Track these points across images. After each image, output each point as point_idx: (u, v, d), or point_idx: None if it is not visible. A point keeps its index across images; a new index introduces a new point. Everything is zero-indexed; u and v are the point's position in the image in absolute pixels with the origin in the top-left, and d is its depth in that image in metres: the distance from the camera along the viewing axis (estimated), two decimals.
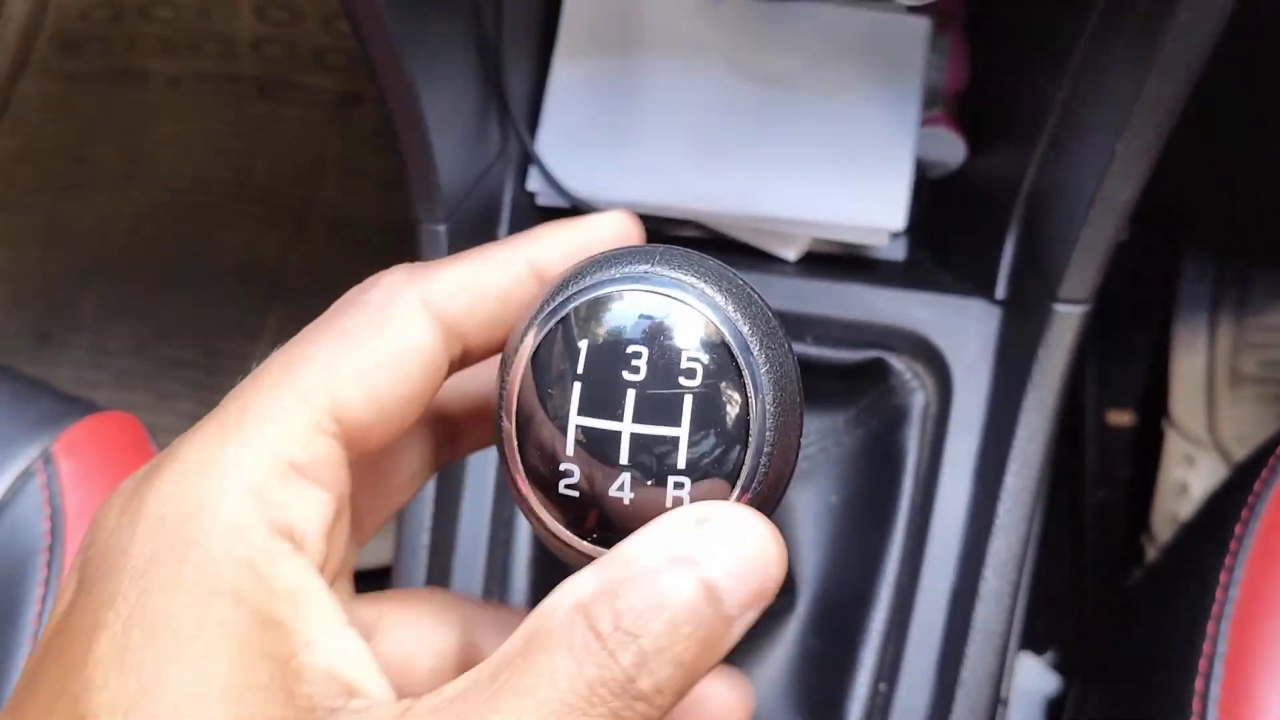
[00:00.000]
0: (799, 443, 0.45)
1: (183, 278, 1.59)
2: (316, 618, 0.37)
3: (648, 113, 0.84)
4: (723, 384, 0.41)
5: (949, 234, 0.86)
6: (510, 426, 0.43)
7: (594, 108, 0.85)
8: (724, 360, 0.41)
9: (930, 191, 0.88)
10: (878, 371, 0.79)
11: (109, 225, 1.64)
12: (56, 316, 1.58)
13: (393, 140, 0.70)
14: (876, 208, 0.79)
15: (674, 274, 0.43)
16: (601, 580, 0.36)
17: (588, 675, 0.34)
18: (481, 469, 0.78)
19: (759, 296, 0.44)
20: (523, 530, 0.78)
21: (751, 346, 0.42)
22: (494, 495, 0.77)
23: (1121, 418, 1.37)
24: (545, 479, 0.42)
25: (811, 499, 0.81)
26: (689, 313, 0.42)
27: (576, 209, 0.82)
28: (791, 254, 0.82)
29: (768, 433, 0.42)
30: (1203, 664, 0.66)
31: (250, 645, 0.34)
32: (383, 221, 1.63)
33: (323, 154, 1.65)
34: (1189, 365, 1.34)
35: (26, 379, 0.83)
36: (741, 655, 0.77)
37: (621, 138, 0.83)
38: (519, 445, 0.43)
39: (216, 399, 0.41)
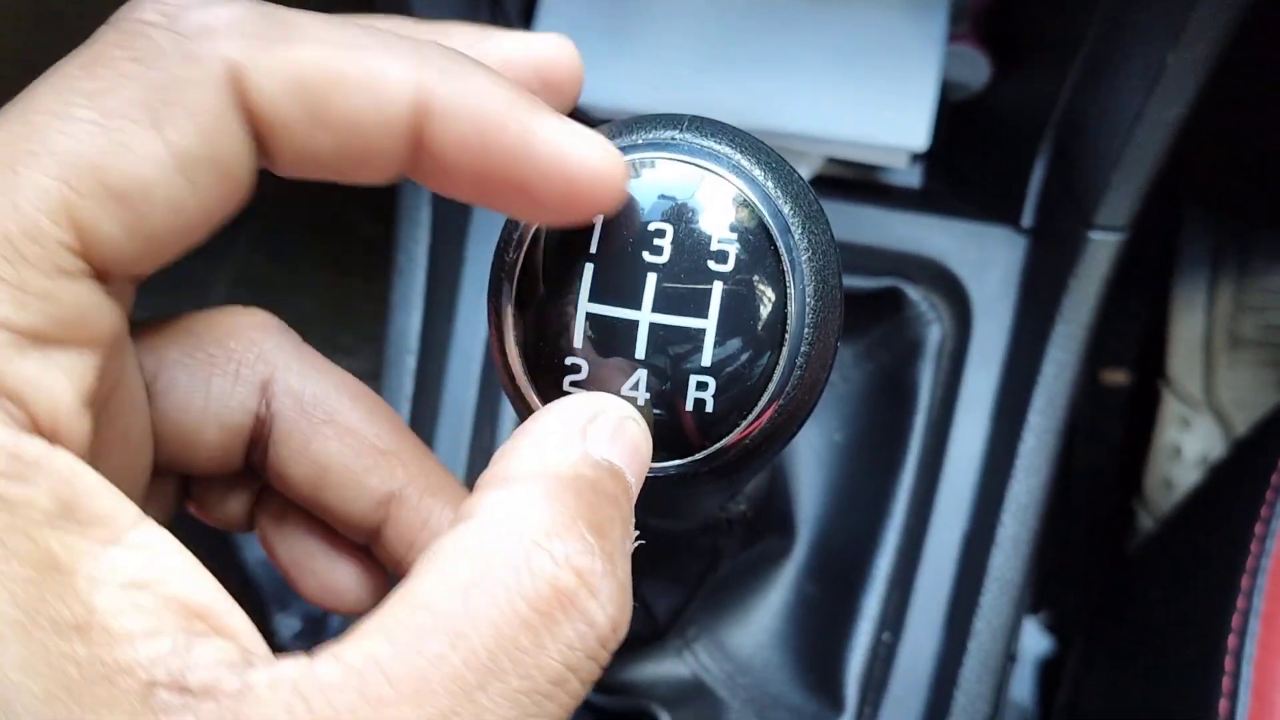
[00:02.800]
0: (837, 345, 0.39)
1: None
2: (104, 537, 0.27)
3: (652, 14, 0.77)
4: (759, 270, 0.36)
5: (968, 160, 0.80)
6: (508, 310, 0.37)
7: (593, 6, 0.78)
8: (761, 243, 0.36)
9: (949, 116, 0.82)
10: (891, 302, 0.74)
11: None
12: None
13: None
14: (898, 125, 0.74)
15: (705, 142, 0.37)
16: (548, 502, 0.30)
17: (561, 637, 0.28)
18: (468, 349, 0.72)
19: (798, 174, 0.38)
20: (511, 428, 0.72)
21: (792, 228, 0.36)
22: (479, 386, 0.71)
23: (1116, 377, 1.33)
24: (547, 374, 0.37)
25: (814, 436, 0.75)
26: (722, 186, 0.36)
27: (572, 117, 0.76)
28: (803, 174, 0.76)
29: (806, 329, 0.37)
30: (1236, 620, 0.61)
31: (30, 627, 0.25)
32: None
33: None
34: (1187, 325, 1.30)
35: None
36: (732, 600, 0.72)
37: (623, 41, 0.77)
38: (518, 334, 0.37)
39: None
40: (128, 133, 0.28)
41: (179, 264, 0.33)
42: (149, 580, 0.27)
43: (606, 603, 0.29)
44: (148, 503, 0.34)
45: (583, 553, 0.29)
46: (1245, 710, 0.59)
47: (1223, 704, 0.60)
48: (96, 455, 0.30)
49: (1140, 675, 0.74)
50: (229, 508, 0.41)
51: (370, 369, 0.69)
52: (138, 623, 0.26)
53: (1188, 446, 1.28)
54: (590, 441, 0.32)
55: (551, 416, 0.33)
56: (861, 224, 0.73)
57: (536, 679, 0.27)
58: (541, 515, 0.29)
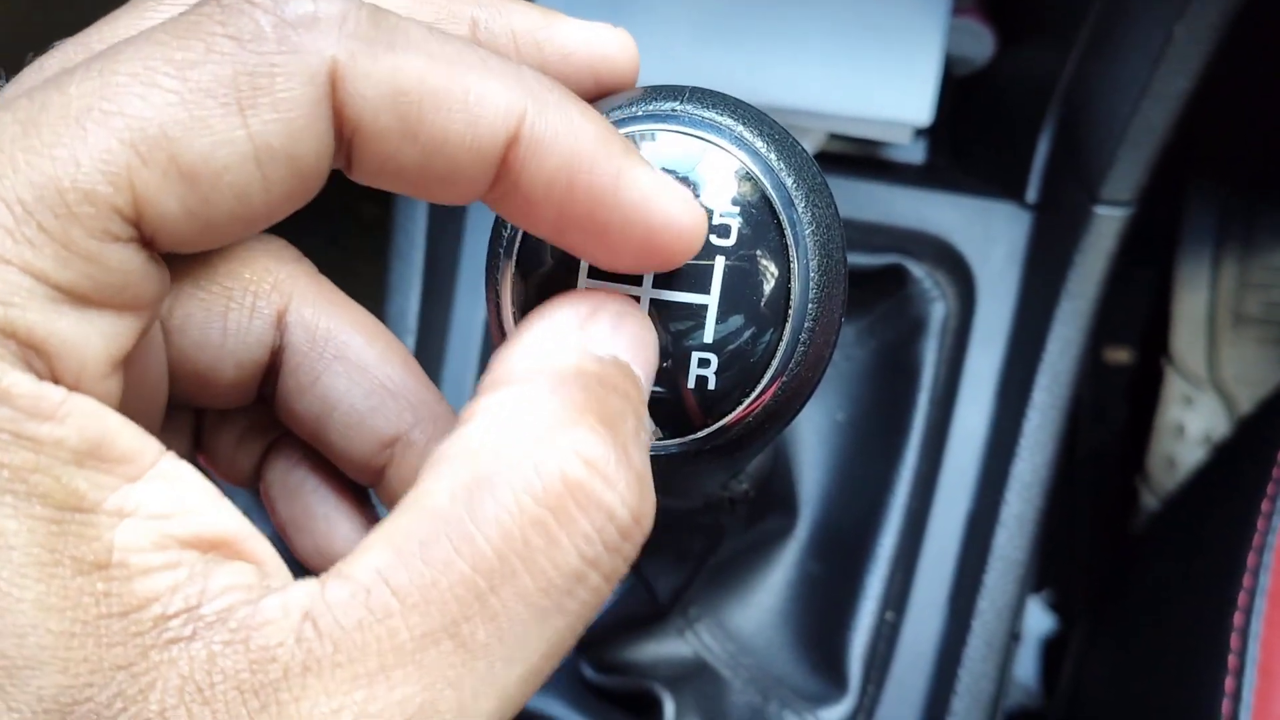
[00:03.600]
0: (841, 321, 0.39)
1: None
2: (128, 473, 0.27)
3: None
4: (761, 244, 0.35)
5: (972, 136, 0.79)
6: (506, 288, 0.36)
7: None
8: (764, 216, 0.35)
9: (953, 91, 0.81)
10: (894, 279, 0.73)
11: None
12: None
13: None
14: (902, 100, 0.73)
15: (707, 114, 0.36)
16: (554, 399, 0.28)
17: (576, 531, 0.27)
18: (466, 331, 0.71)
19: (801, 146, 0.37)
20: None
21: (796, 201, 0.36)
22: (477, 367, 0.70)
23: (1119, 355, 1.32)
24: None
25: (816, 415, 0.75)
26: (724, 159, 0.35)
27: None
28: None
29: (810, 305, 0.36)
30: (1242, 598, 0.61)
31: (51, 566, 0.25)
32: None
33: None
34: (1191, 303, 1.29)
35: None
36: (735, 579, 0.72)
37: (623, 14, 0.76)
38: (517, 311, 0.36)
39: None
40: (210, 111, 0.27)
41: None
42: (171, 512, 0.27)
43: (625, 491, 0.27)
44: (164, 440, 0.33)
45: (593, 443, 0.27)
46: (1251, 688, 0.59)
47: (1228, 682, 0.60)
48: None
49: (1145, 654, 0.73)
50: (239, 461, 0.40)
51: None
52: (157, 557, 0.26)
53: (1191, 425, 1.27)
54: (590, 337, 0.31)
55: (546, 317, 0.32)
56: (864, 200, 0.73)
57: (552, 576, 0.26)
58: (545, 410, 0.28)
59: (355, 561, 0.26)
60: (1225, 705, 0.59)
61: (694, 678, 0.68)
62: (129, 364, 0.30)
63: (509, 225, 0.36)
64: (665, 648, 0.68)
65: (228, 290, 0.36)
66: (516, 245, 0.36)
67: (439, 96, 0.29)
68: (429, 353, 0.70)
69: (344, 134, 0.29)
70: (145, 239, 0.28)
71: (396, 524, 0.27)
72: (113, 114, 0.26)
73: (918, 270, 0.72)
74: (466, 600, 0.26)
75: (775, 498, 0.72)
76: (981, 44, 0.79)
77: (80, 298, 0.27)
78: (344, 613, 0.26)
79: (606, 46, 0.35)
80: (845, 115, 0.73)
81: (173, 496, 0.27)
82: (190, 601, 0.26)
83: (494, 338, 0.37)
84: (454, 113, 0.29)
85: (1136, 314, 1.33)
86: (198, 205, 0.28)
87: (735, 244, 0.35)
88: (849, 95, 0.73)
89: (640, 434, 0.30)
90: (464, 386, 0.71)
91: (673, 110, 0.36)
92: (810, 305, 0.36)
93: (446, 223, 0.71)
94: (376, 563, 0.26)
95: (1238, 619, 0.61)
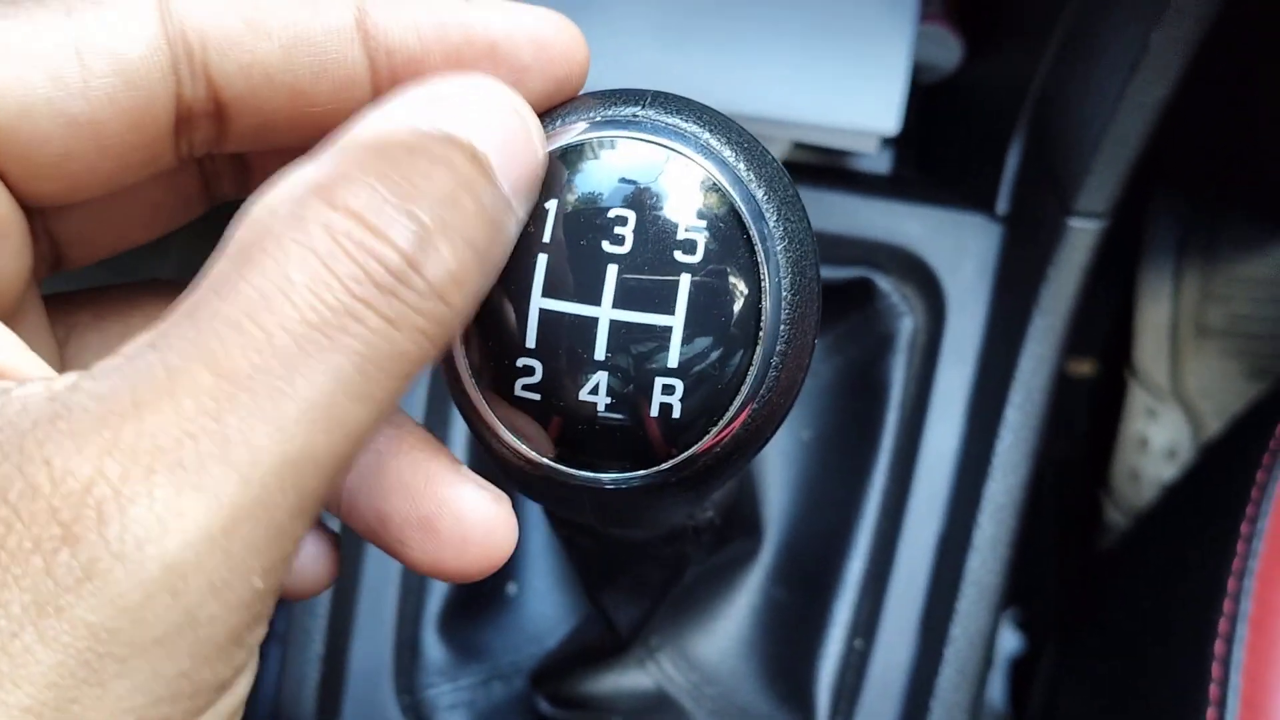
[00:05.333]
0: (814, 343, 0.36)
1: None
2: None
3: None
4: (730, 261, 0.32)
5: (940, 146, 0.77)
6: None
7: None
8: (732, 231, 0.32)
9: (920, 99, 0.79)
10: (861, 293, 0.71)
11: None
12: None
13: None
14: (868, 108, 0.70)
15: (670, 120, 0.33)
16: (340, 160, 0.27)
17: (341, 271, 0.25)
18: None
19: (772, 155, 0.35)
20: (461, 439, 0.68)
21: (767, 214, 0.33)
22: (428, 392, 0.67)
23: (1082, 367, 1.31)
24: (498, 377, 0.33)
25: (781, 434, 0.72)
26: (689, 169, 0.32)
27: None
28: None
29: (782, 326, 0.33)
30: (1223, 625, 0.59)
31: None
32: None
33: None
34: (1153, 315, 1.28)
35: None
36: (697, 605, 0.69)
37: (583, 17, 0.73)
38: (465, 334, 0.34)
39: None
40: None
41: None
42: None
43: (402, 243, 0.26)
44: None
45: (361, 195, 0.26)
46: (1235, 716, 0.57)
47: (1210, 713, 0.58)
48: None
49: (1121, 683, 0.71)
50: None
51: None
52: None
53: (1155, 437, 1.27)
54: (420, 112, 0.28)
55: (398, 94, 0.29)
56: (830, 211, 0.70)
57: (316, 308, 0.25)
58: (320, 170, 0.27)
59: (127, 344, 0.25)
60: None
61: (655, 710, 0.65)
62: None
63: None
64: (625, 679, 0.65)
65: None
66: None
67: None
68: None
69: (190, 47, 0.29)
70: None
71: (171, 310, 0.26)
72: None
73: (885, 284, 0.70)
74: (223, 332, 0.24)
75: (739, 521, 0.69)
76: (949, 51, 0.77)
77: None
78: (103, 370, 0.25)
79: (544, 32, 0.32)
80: (810, 123, 0.71)
81: None
82: None
83: (440, 361, 0.34)
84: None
85: (1099, 325, 1.32)
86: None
87: (701, 260, 0.32)
88: (814, 103, 0.71)
89: (466, 203, 0.27)
90: (413, 415, 0.67)
91: (634, 116, 0.33)
92: (783, 326, 0.33)
93: None
94: (145, 339, 0.25)
95: (1219, 647, 0.58)
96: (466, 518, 0.32)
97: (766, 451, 0.71)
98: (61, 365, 0.33)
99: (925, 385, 0.68)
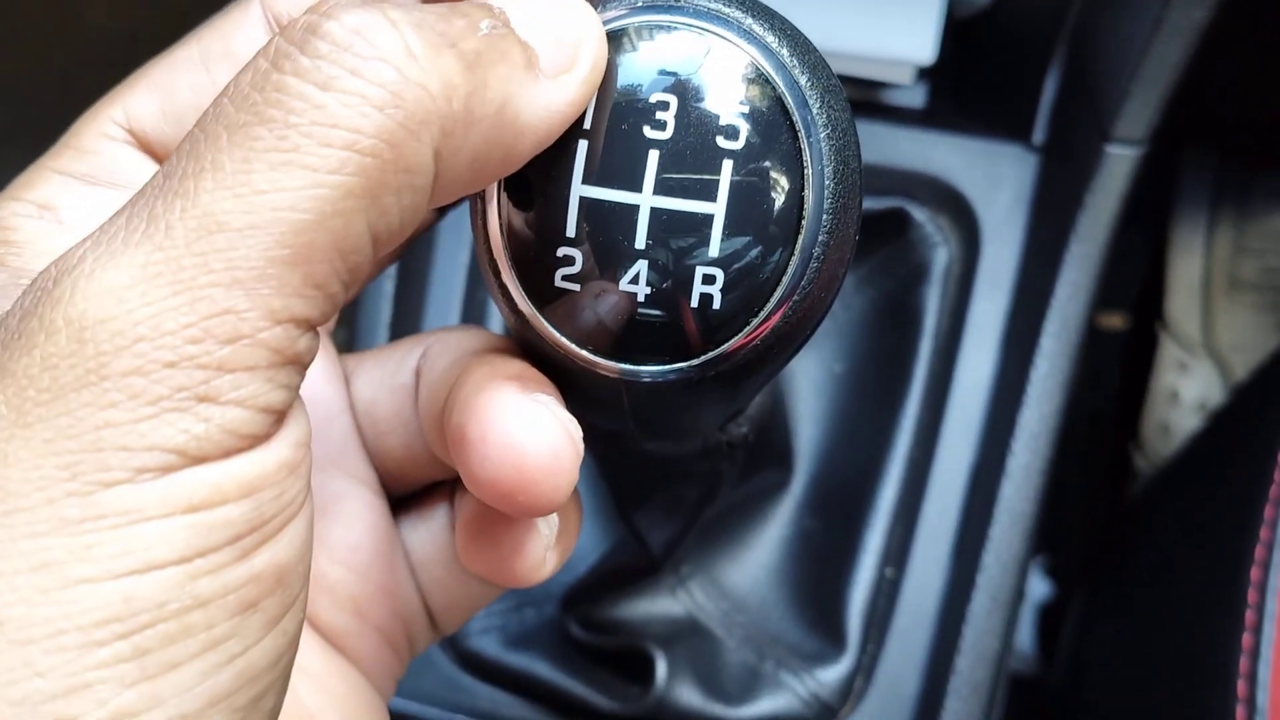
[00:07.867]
0: (856, 238, 0.36)
1: None
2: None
3: None
4: (773, 147, 0.32)
5: (975, 77, 0.76)
6: (492, 197, 0.33)
7: None
8: (776, 118, 0.32)
9: (954, 34, 0.78)
10: (895, 224, 0.70)
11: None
12: None
13: None
14: (903, 37, 0.69)
15: (713, 5, 0.33)
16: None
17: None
18: (452, 246, 0.68)
19: (814, 44, 0.34)
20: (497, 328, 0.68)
21: (810, 102, 0.33)
22: (465, 284, 0.66)
23: (1113, 320, 1.30)
24: (537, 268, 0.33)
25: (812, 366, 0.72)
26: (733, 54, 0.32)
27: None
28: None
29: (825, 216, 0.33)
30: (1259, 551, 0.58)
31: None
32: None
33: None
34: (1185, 268, 1.27)
35: None
36: (728, 535, 0.69)
37: None
38: (503, 223, 0.33)
39: None
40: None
41: None
42: None
43: (352, 36, 0.26)
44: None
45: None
46: (1270, 643, 0.56)
47: (1245, 638, 0.57)
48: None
49: (1151, 618, 0.71)
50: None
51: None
52: None
53: (1186, 391, 1.26)
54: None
55: None
56: (864, 141, 0.69)
57: (241, 87, 0.27)
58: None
59: None
60: (1243, 662, 0.57)
61: (687, 637, 0.65)
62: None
63: None
64: (656, 606, 0.66)
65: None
66: None
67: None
68: (409, 296, 0.67)
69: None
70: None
71: None
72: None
73: (920, 214, 0.69)
74: (195, 135, 0.27)
75: (770, 452, 0.69)
76: None
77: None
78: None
79: None
80: (845, 53, 0.70)
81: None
82: None
83: (479, 253, 0.34)
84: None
85: (1131, 279, 1.31)
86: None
87: (743, 147, 0.32)
88: (848, 32, 0.70)
89: (457, 22, 0.28)
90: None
91: (676, 1, 0.33)
92: (825, 216, 0.33)
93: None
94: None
95: (1254, 574, 0.58)
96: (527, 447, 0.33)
97: (798, 384, 0.71)
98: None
99: (960, 315, 0.67)
